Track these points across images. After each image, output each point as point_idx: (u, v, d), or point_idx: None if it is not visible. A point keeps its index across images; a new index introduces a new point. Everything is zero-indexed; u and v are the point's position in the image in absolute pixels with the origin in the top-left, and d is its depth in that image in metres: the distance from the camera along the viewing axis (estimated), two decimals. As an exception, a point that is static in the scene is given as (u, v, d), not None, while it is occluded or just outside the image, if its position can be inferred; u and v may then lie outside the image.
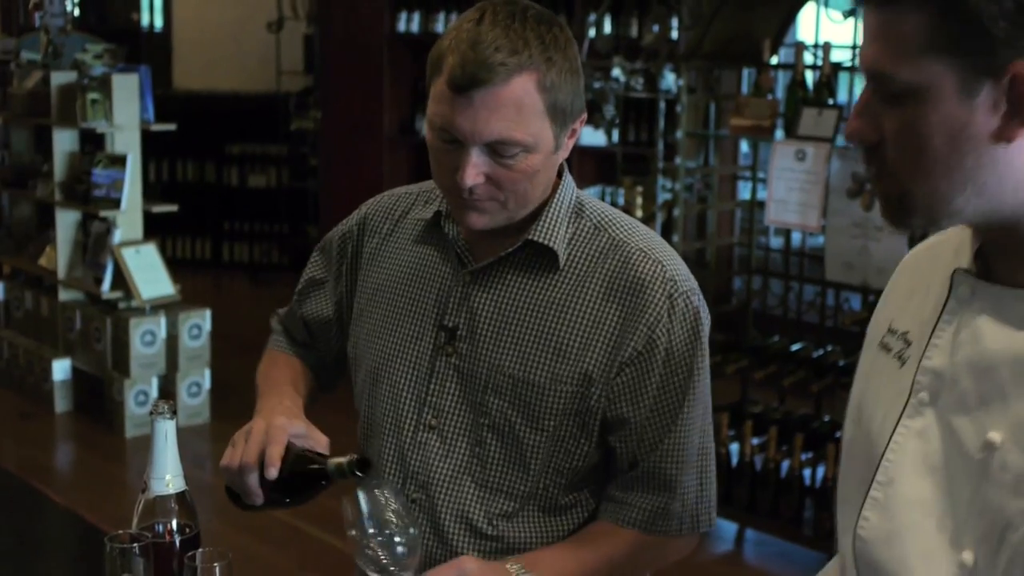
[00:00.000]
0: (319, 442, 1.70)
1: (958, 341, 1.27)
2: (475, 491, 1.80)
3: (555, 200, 1.79)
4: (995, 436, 1.21)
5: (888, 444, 1.32)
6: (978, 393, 1.24)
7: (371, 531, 1.55)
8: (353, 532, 1.56)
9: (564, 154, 1.76)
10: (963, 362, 1.26)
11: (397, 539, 1.56)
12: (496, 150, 1.66)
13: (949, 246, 1.37)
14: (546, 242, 1.76)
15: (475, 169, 1.67)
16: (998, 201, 1.21)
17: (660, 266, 1.76)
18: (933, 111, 1.18)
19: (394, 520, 1.56)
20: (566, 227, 1.79)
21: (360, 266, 1.95)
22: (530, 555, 1.76)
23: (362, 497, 1.56)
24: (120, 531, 1.61)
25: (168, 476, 1.64)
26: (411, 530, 1.57)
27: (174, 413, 1.65)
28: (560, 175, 1.81)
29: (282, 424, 1.70)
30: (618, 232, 1.79)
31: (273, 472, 1.65)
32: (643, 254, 1.77)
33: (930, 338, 1.31)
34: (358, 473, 1.60)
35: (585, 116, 1.76)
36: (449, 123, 1.66)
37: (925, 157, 1.20)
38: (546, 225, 1.77)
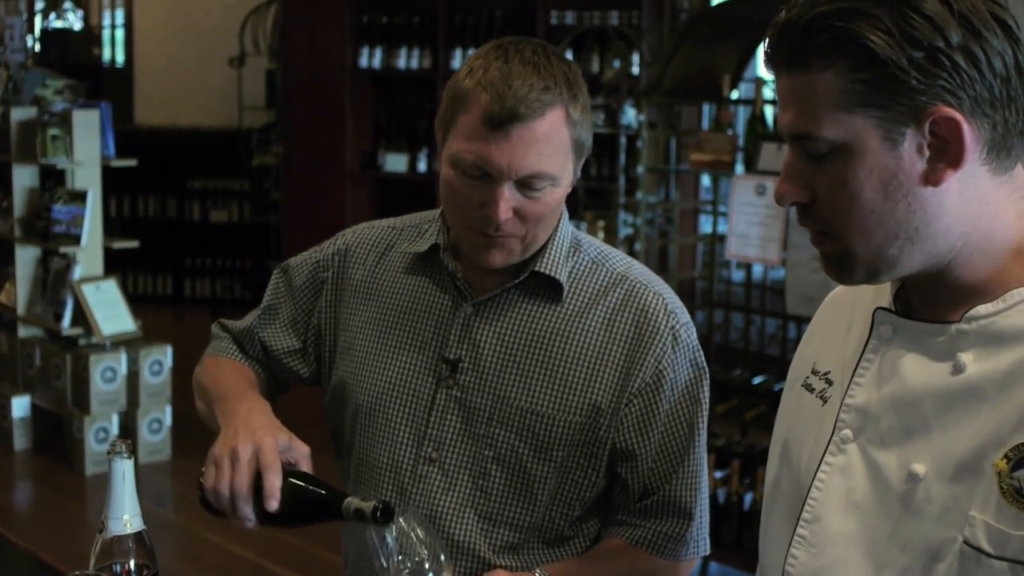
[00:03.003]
0: (300, 452, 1.65)
1: (881, 378, 1.30)
2: (479, 523, 1.80)
3: (558, 234, 1.81)
4: (919, 468, 1.24)
5: (812, 482, 1.34)
6: (901, 427, 1.27)
7: (398, 561, 1.54)
8: (379, 563, 1.54)
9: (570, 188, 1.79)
10: (886, 398, 1.29)
11: (427, 566, 1.55)
12: (526, 184, 1.69)
13: (869, 287, 1.39)
14: (552, 274, 1.79)
15: (507, 204, 1.69)
16: (931, 245, 1.24)
17: (661, 299, 1.81)
18: (861, 164, 1.21)
19: (424, 550, 1.55)
20: (566, 260, 1.81)
21: (342, 298, 1.94)
22: (552, 567, 1.79)
23: (389, 531, 1.54)
24: (77, 572, 1.59)
25: (126, 516, 1.62)
26: (441, 557, 1.56)
27: (132, 452, 1.63)
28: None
29: (272, 446, 1.62)
30: (617, 266, 1.84)
31: (274, 505, 1.58)
32: (645, 287, 1.81)
33: (852, 376, 1.34)
34: (379, 521, 1.53)
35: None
36: (483, 159, 1.67)
37: (859, 210, 1.23)
38: (551, 258, 1.80)
